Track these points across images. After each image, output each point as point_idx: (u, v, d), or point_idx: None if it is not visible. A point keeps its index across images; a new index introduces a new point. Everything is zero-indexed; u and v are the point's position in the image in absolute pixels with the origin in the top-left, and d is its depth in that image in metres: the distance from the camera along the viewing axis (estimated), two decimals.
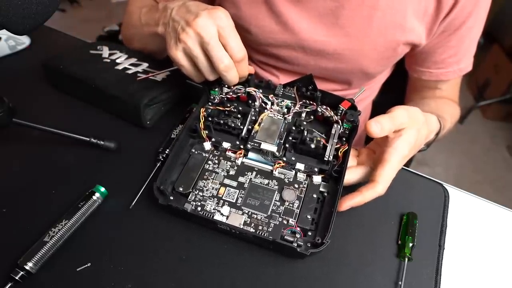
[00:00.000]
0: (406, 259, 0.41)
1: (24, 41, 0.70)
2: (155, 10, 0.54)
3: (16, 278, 0.36)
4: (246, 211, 0.43)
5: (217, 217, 0.42)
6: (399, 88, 0.74)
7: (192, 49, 0.43)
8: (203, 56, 0.43)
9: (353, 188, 0.43)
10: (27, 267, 0.37)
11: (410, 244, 0.42)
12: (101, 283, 0.38)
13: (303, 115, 0.49)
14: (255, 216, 0.42)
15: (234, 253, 0.42)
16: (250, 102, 0.50)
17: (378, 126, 0.40)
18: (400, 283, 0.40)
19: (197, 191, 0.44)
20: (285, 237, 0.40)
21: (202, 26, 0.41)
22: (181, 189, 0.44)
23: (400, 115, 0.42)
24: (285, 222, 0.42)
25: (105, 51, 0.61)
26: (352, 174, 0.46)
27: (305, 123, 0.48)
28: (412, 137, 0.43)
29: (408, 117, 0.42)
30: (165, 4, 0.50)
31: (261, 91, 0.49)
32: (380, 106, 0.78)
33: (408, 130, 0.42)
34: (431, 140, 0.55)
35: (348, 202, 0.42)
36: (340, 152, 0.45)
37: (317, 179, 0.45)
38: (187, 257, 0.41)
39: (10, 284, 0.37)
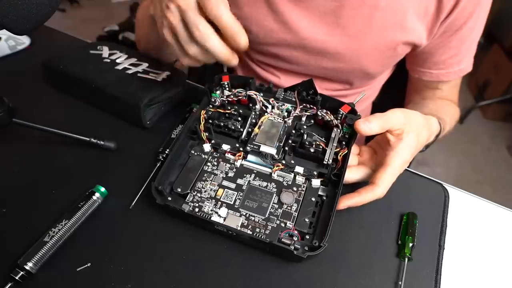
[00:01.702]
0: (406, 259, 0.41)
1: (24, 41, 0.70)
2: None
3: (16, 278, 0.36)
4: (244, 213, 0.43)
5: (215, 218, 0.42)
6: (399, 88, 0.74)
7: (172, 22, 0.41)
8: (182, 27, 0.41)
9: (352, 189, 0.43)
10: (27, 267, 0.37)
11: (410, 244, 0.42)
12: (101, 283, 0.38)
13: (303, 118, 0.49)
14: (253, 218, 0.42)
15: (232, 254, 0.42)
16: (250, 105, 0.50)
17: (367, 125, 0.41)
18: (400, 283, 0.40)
19: (195, 192, 0.44)
20: (282, 239, 0.40)
21: None
22: (179, 189, 0.44)
23: (394, 116, 0.42)
24: (282, 225, 0.42)
25: (105, 51, 0.61)
26: (353, 174, 0.46)
27: (305, 126, 0.48)
28: (413, 141, 0.43)
29: (405, 118, 0.42)
30: None
31: (262, 94, 0.49)
32: (380, 107, 0.78)
33: (409, 134, 0.42)
34: (430, 142, 0.55)
35: (346, 202, 0.42)
36: (340, 156, 0.44)
37: (316, 182, 0.45)
38: (186, 257, 0.41)
39: (10, 284, 0.37)
